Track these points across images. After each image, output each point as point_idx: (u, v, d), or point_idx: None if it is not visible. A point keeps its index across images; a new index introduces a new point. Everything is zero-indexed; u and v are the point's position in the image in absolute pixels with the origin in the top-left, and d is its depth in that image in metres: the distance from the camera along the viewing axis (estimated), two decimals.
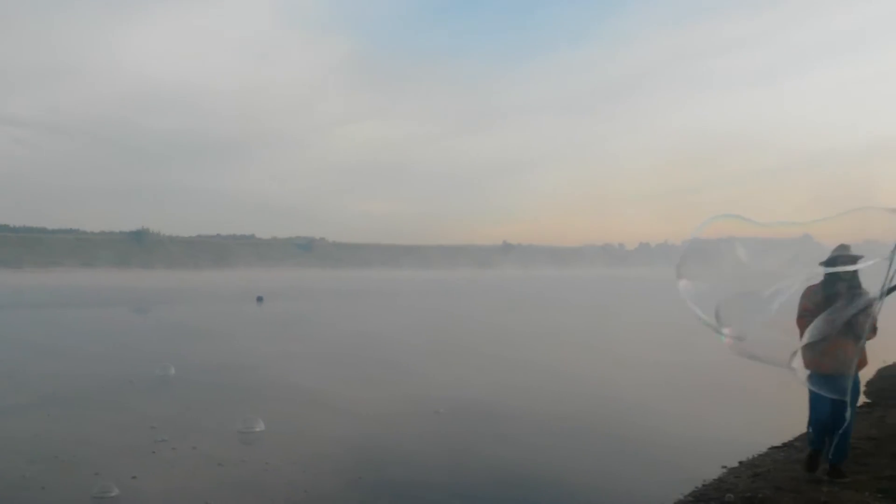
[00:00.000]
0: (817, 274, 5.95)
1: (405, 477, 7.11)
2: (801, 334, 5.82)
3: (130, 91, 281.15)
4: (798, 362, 5.75)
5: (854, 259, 5.80)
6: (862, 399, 9.04)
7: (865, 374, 7.85)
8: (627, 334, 22.13)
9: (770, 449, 7.73)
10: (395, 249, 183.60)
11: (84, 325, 26.25)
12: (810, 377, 5.90)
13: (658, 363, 15.06)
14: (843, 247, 5.94)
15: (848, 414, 5.65)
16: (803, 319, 5.90)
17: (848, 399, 5.59)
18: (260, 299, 41.19)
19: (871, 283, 5.63)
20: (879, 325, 5.62)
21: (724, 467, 7.09)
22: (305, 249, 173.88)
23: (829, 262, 5.88)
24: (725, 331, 5.88)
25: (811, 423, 6.18)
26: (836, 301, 5.73)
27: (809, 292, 5.98)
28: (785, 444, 7.88)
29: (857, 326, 5.67)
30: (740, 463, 7.24)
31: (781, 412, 9.19)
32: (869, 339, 5.68)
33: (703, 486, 6.49)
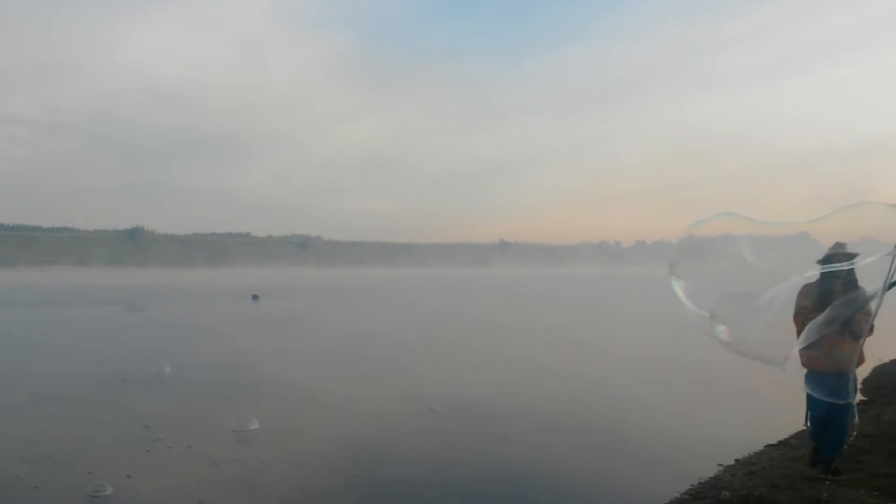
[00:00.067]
0: (814, 272, 5.94)
1: (401, 475, 7.09)
2: (798, 332, 5.81)
3: (127, 89, 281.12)
4: (795, 360, 5.74)
5: (850, 256, 5.79)
6: (858, 397, 9.03)
7: (862, 372, 7.84)
8: (623, 332, 22.13)
9: (766, 447, 7.74)
10: (392, 247, 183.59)
11: (78, 324, 26.17)
12: (807, 375, 5.89)
13: (654, 361, 15.07)
14: (839, 244, 5.92)
15: (854, 415, 5.66)
16: (800, 317, 5.90)
17: (849, 398, 5.59)
18: (255, 297, 41.14)
19: (868, 281, 5.62)
20: (878, 323, 5.60)
21: (721, 465, 7.09)
22: (301, 247, 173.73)
23: (825, 260, 5.87)
24: (721, 329, 5.87)
25: (810, 419, 6.18)
26: (832, 299, 5.72)
27: (806, 290, 5.97)
28: (781, 442, 7.89)
29: (855, 325, 5.67)
30: (736, 461, 7.24)
31: (778, 410, 9.19)
32: (867, 336, 5.68)
33: (700, 483, 6.48)
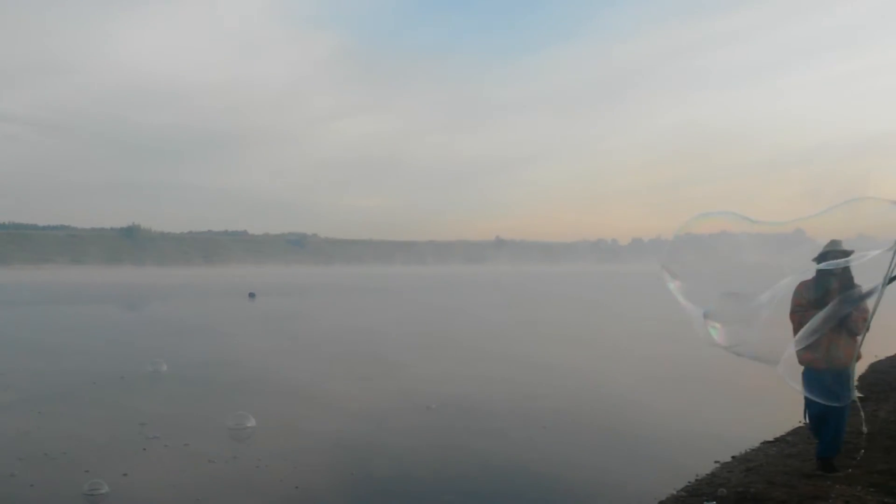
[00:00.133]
0: (810, 270, 5.95)
1: (397, 472, 7.09)
2: (794, 329, 5.82)
3: (121, 87, 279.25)
4: (791, 359, 5.75)
5: (846, 254, 5.79)
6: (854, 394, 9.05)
7: (858, 369, 7.85)
8: (619, 329, 22.15)
9: (762, 444, 7.75)
10: (388, 245, 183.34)
11: (75, 322, 26.10)
12: (805, 373, 5.91)
13: (651, 357, 15.10)
14: (834, 242, 5.93)
15: (860, 410, 5.68)
16: (796, 315, 5.91)
17: (844, 399, 5.62)
18: (252, 295, 41.12)
19: (865, 279, 5.63)
20: (876, 320, 5.62)
21: (717, 462, 7.10)
22: (297, 245, 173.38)
23: (821, 258, 5.88)
24: (716, 329, 5.89)
25: (808, 416, 6.19)
26: (828, 296, 5.73)
27: (802, 288, 5.97)
28: (777, 439, 7.90)
29: (852, 322, 5.68)
30: (733, 458, 7.25)
31: (774, 407, 9.21)
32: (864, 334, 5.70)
33: (696, 480, 6.49)
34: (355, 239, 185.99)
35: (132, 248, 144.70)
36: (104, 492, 6.30)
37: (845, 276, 5.80)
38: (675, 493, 6.16)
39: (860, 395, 10.08)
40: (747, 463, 6.95)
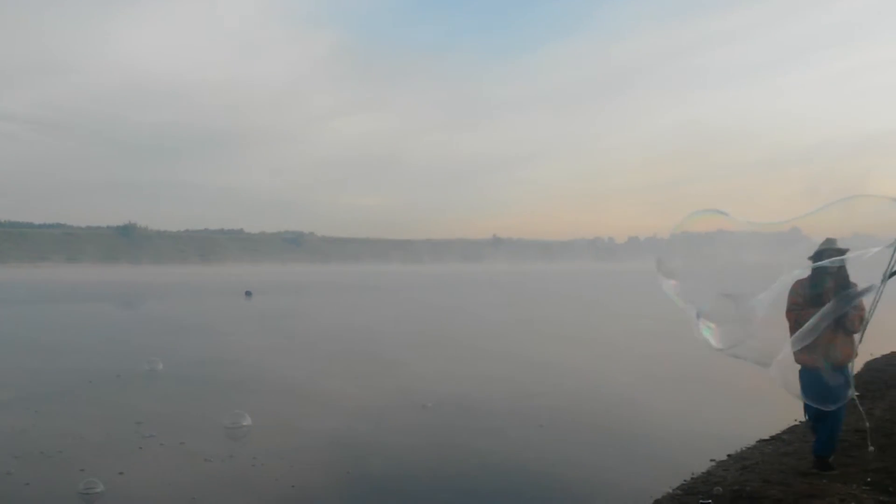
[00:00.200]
0: (805, 268, 5.95)
1: (393, 471, 7.08)
2: (791, 328, 5.83)
3: (120, 86, 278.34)
4: (786, 360, 5.76)
5: (841, 252, 5.80)
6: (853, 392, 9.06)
7: (853, 367, 7.87)
8: (615, 327, 22.18)
9: (758, 442, 7.76)
10: (385, 244, 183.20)
11: (71, 321, 26.06)
12: (801, 372, 5.91)
13: (646, 356, 15.12)
14: (829, 240, 5.94)
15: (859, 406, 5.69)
16: (792, 313, 5.92)
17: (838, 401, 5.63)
18: (248, 294, 41.08)
19: (861, 277, 5.64)
20: (875, 319, 5.63)
21: (713, 460, 7.10)
22: (294, 244, 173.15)
23: (816, 256, 5.89)
24: (710, 329, 5.89)
25: (807, 413, 6.20)
26: (824, 295, 5.73)
27: (798, 286, 5.98)
28: (773, 437, 7.92)
29: (848, 321, 5.69)
30: (729, 456, 7.26)
31: (769, 405, 9.21)
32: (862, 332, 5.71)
33: (692, 478, 6.49)
34: (352, 237, 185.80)
35: (128, 246, 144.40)
36: (100, 490, 6.29)
37: (841, 274, 5.81)
38: (671, 491, 6.17)
39: (857, 393, 10.11)
40: (743, 461, 6.96)
